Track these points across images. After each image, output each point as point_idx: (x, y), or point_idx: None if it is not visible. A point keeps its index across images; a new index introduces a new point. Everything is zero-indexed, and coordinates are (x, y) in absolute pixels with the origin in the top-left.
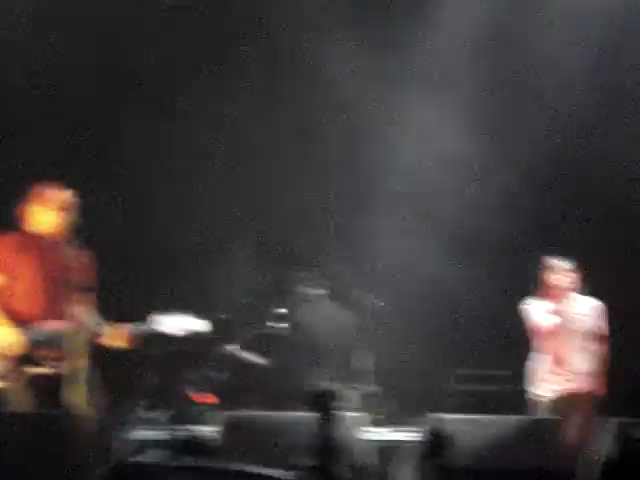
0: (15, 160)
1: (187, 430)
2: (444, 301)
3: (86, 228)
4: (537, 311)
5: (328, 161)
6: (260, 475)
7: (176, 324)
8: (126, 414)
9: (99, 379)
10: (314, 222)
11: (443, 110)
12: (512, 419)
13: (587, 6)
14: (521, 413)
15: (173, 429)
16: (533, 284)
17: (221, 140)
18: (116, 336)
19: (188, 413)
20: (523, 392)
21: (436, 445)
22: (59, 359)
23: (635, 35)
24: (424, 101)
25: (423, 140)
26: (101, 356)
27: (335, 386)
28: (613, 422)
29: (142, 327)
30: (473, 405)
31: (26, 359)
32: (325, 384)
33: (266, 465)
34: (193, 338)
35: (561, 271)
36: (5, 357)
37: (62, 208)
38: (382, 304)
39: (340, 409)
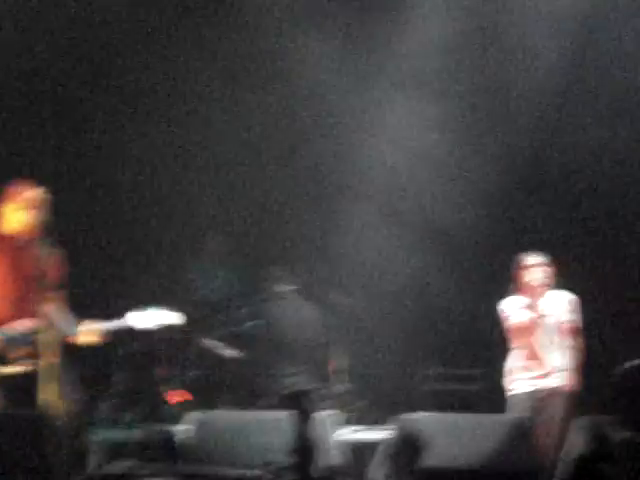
0: None
1: (160, 430)
2: (418, 299)
3: (58, 225)
4: (512, 307)
5: (296, 159)
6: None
7: (149, 319)
8: (99, 414)
9: (73, 378)
10: (288, 220)
11: (417, 108)
12: (486, 418)
13: (561, 4)
14: (495, 412)
15: (146, 429)
16: (508, 282)
17: (197, 138)
18: (89, 333)
19: (161, 412)
20: (496, 391)
21: (409, 444)
22: (32, 358)
23: (611, 30)
24: (399, 99)
25: (399, 139)
26: (74, 355)
27: (310, 385)
28: (587, 420)
29: (115, 323)
30: (447, 404)
31: None
32: (300, 383)
33: (240, 464)
34: (167, 332)
35: (535, 267)
36: None
37: (33, 206)
38: (351, 300)
39: (315, 408)
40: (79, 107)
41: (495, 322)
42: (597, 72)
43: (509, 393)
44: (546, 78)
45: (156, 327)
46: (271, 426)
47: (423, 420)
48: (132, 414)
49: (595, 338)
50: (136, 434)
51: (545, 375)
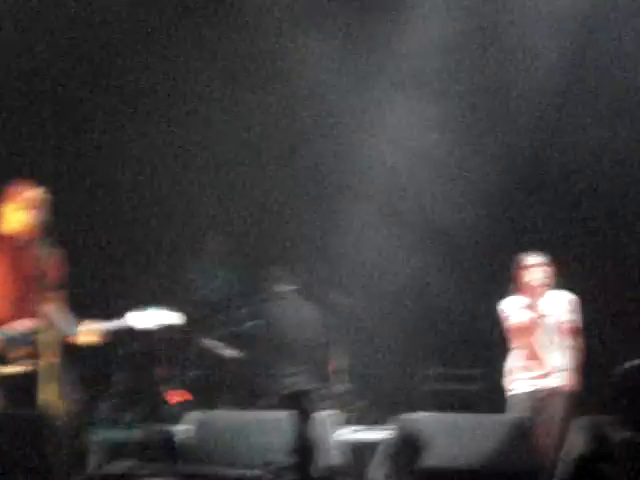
0: None
1: (160, 430)
2: (418, 299)
3: (58, 225)
4: (512, 307)
5: (296, 159)
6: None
7: (149, 319)
8: (99, 414)
9: (73, 378)
10: (288, 220)
11: (417, 108)
12: (486, 418)
13: (561, 4)
14: (495, 412)
15: (146, 429)
16: (508, 282)
17: (197, 138)
18: (89, 333)
19: (161, 412)
20: (496, 391)
21: (409, 444)
22: (32, 358)
23: (611, 30)
24: (399, 99)
25: (399, 139)
26: (74, 355)
27: (310, 385)
28: (587, 419)
29: (115, 323)
30: (447, 404)
31: None
32: (300, 383)
33: (240, 464)
34: (167, 332)
35: (535, 267)
36: None
37: (33, 206)
38: (351, 300)
39: (315, 408)
40: (79, 107)
41: (495, 322)
42: (597, 72)
43: (509, 393)
44: (546, 78)
45: (156, 327)
46: (271, 426)
47: (423, 420)
48: (132, 414)
49: (595, 338)
50: (136, 434)
51: (545, 375)
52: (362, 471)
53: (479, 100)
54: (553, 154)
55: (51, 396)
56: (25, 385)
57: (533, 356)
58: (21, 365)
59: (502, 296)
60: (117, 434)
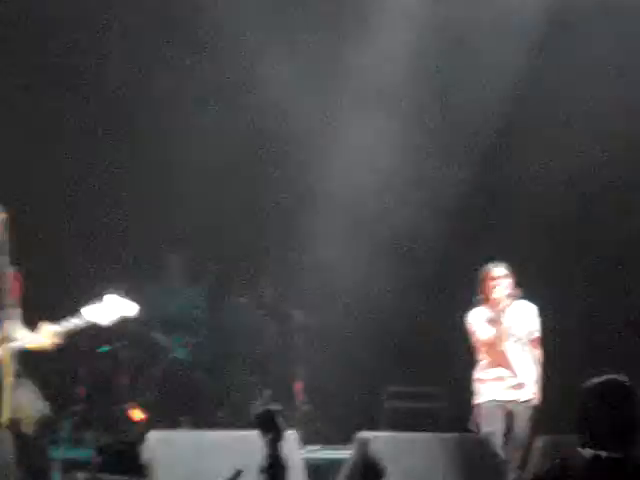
0: None
1: (118, 449)
2: (377, 317)
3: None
4: (479, 320)
5: (259, 174)
6: None
7: (106, 312)
8: (61, 433)
9: (34, 393)
10: (249, 235)
11: (381, 123)
12: (444, 437)
13: (527, 8)
14: (458, 430)
15: (107, 448)
16: (472, 295)
17: (158, 158)
18: (48, 336)
19: (123, 431)
20: (459, 408)
21: (366, 465)
22: None
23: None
24: (361, 115)
25: (358, 150)
26: (35, 369)
27: (271, 404)
28: (548, 439)
29: (73, 321)
30: (410, 422)
31: None
32: (266, 399)
33: None
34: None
35: (500, 278)
36: None
37: None
38: (313, 319)
39: (278, 428)
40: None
41: (459, 337)
42: (556, 83)
43: (477, 405)
44: (510, 90)
45: (114, 321)
46: (238, 446)
47: (382, 439)
48: (93, 432)
49: (560, 348)
50: (97, 453)
51: (512, 387)
52: None
53: (440, 114)
54: (513, 163)
55: (11, 412)
56: None
57: (503, 367)
58: None
59: (466, 309)
60: (78, 453)
